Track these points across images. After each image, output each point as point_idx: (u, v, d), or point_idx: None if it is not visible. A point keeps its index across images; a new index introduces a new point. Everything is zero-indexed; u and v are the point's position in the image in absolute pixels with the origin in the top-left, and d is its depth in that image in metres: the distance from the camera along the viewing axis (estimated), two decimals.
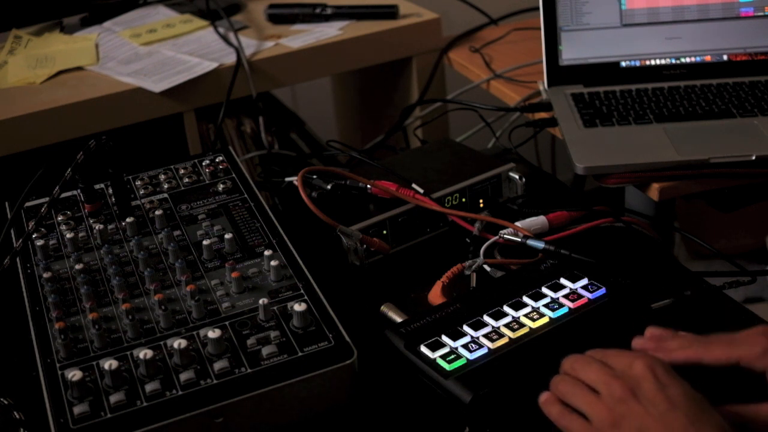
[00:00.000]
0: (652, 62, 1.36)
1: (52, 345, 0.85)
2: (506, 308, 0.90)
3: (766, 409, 0.73)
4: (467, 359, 0.83)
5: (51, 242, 0.99)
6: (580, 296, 0.91)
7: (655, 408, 0.69)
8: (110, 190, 1.06)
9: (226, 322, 0.87)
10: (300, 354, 0.82)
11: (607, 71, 1.36)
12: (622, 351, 0.77)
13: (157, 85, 1.41)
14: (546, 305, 0.90)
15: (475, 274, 1.01)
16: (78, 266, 0.94)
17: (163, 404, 0.78)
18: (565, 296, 0.91)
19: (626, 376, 0.73)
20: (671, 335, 0.80)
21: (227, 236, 0.97)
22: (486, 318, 0.88)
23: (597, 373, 0.75)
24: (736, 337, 0.78)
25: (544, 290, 0.92)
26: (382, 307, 0.95)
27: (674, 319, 0.91)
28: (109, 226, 1.01)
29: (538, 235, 1.04)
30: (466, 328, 0.87)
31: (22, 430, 0.83)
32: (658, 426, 0.68)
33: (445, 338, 0.86)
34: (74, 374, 0.79)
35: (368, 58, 1.61)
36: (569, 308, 0.90)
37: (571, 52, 1.37)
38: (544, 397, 0.77)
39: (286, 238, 0.98)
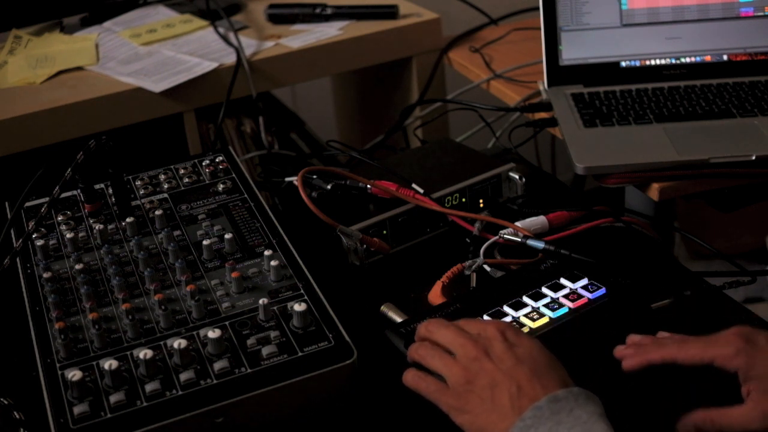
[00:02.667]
0: (652, 62, 1.36)
1: (52, 345, 0.85)
2: (506, 308, 0.90)
3: (737, 412, 0.75)
4: None
5: (51, 242, 0.99)
6: (580, 296, 0.91)
7: (504, 364, 0.76)
8: (110, 190, 1.06)
9: (226, 322, 0.87)
10: (300, 354, 0.82)
11: (607, 71, 1.36)
12: (476, 319, 0.83)
13: (157, 85, 1.41)
14: (546, 305, 0.90)
15: (475, 274, 1.01)
16: (78, 266, 0.94)
17: (163, 404, 0.78)
18: (565, 296, 0.91)
19: (480, 338, 0.79)
20: (650, 340, 0.82)
21: (227, 236, 0.97)
22: (486, 318, 0.88)
23: (453, 336, 0.80)
24: (711, 337, 0.79)
25: (544, 290, 0.92)
26: (382, 307, 0.95)
27: (674, 319, 0.91)
28: (109, 226, 1.01)
29: (538, 235, 1.04)
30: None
31: (22, 430, 0.83)
32: (506, 379, 0.75)
33: None
34: (74, 374, 0.79)
35: (368, 58, 1.61)
36: (569, 308, 0.90)
37: (571, 52, 1.37)
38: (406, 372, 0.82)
39: (286, 238, 0.98)
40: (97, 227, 1.00)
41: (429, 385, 0.79)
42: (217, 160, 1.14)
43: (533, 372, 0.75)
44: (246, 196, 1.06)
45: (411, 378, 0.81)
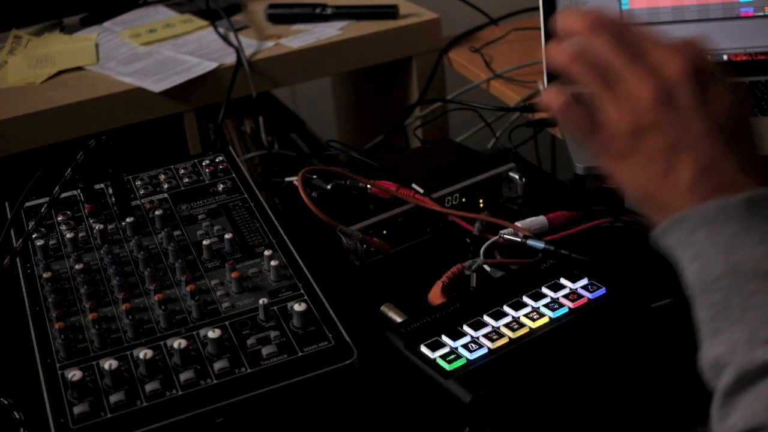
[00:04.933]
0: None
1: (52, 345, 0.85)
2: (506, 308, 0.90)
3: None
4: (467, 359, 0.83)
5: (51, 242, 0.99)
6: (580, 296, 0.91)
7: (693, 126, 0.57)
8: (110, 190, 1.06)
9: (226, 322, 0.87)
10: (300, 354, 0.82)
11: None
12: (660, 38, 0.60)
13: (157, 85, 1.41)
14: (546, 305, 0.90)
15: (475, 274, 1.01)
16: (78, 266, 0.94)
17: (163, 404, 0.78)
18: (565, 296, 0.91)
19: (660, 74, 0.58)
20: None
21: (227, 236, 0.97)
22: (486, 318, 0.88)
23: (622, 57, 0.58)
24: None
25: (544, 290, 0.92)
26: (382, 307, 0.95)
27: (674, 319, 0.91)
28: (109, 226, 1.01)
29: (538, 235, 1.04)
30: (466, 328, 0.87)
31: (22, 430, 0.83)
32: (692, 148, 0.57)
33: (445, 338, 0.86)
34: (74, 374, 0.79)
35: (368, 58, 1.61)
36: (569, 308, 0.89)
37: None
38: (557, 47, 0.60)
39: (286, 238, 0.98)
40: (97, 227, 1.00)
41: (580, 117, 0.60)
42: (217, 160, 1.14)
43: (731, 148, 0.57)
44: (246, 196, 1.06)
45: (555, 98, 0.60)
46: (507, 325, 0.87)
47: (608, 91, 0.59)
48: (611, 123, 0.59)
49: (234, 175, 1.11)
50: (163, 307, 0.87)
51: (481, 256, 1.02)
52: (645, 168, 0.58)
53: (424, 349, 0.84)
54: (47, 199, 0.99)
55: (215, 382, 0.80)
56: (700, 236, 0.56)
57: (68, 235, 0.98)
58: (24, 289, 0.94)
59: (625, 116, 0.58)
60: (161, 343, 0.84)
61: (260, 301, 0.86)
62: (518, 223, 1.07)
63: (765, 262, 0.54)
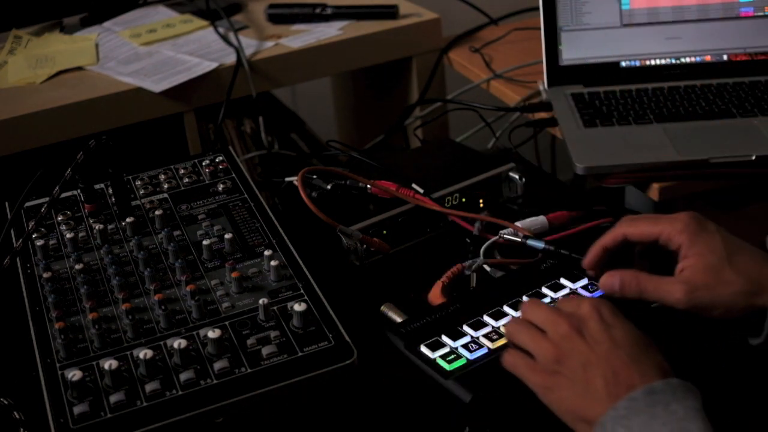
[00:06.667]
0: (652, 62, 1.36)
1: (52, 345, 0.85)
2: (506, 308, 0.90)
3: (663, 281, 0.80)
4: (467, 359, 0.83)
5: (51, 242, 0.99)
6: (580, 296, 0.91)
7: (599, 346, 0.72)
8: (110, 190, 1.06)
9: (226, 322, 0.87)
10: (300, 354, 0.82)
11: (607, 71, 1.36)
12: (573, 296, 0.80)
13: (157, 85, 1.41)
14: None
15: (475, 274, 1.01)
16: (78, 266, 0.94)
17: (163, 404, 0.78)
18: (565, 296, 0.91)
19: (573, 316, 0.76)
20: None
21: (227, 236, 0.97)
22: (486, 318, 0.88)
23: (545, 313, 0.77)
24: (662, 215, 0.83)
25: (544, 290, 0.92)
26: (382, 307, 0.95)
27: (674, 319, 0.91)
28: (109, 226, 1.01)
29: (538, 235, 1.04)
30: (466, 328, 0.87)
31: (22, 430, 0.83)
32: (600, 362, 0.71)
33: (445, 338, 0.86)
34: (74, 374, 0.79)
35: (368, 58, 1.61)
36: None
37: (571, 52, 1.37)
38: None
39: (286, 238, 0.98)
40: (97, 227, 1.00)
41: (517, 360, 0.76)
42: (217, 160, 1.14)
43: (630, 358, 0.71)
44: (246, 196, 1.06)
45: (504, 357, 0.78)
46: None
47: (538, 337, 0.76)
48: (541, 356, 0.75)
49: (234, 175, 1.11)
50: (163, 307, 0.87)
51: (481, 256, 1.02)
52: (570, 388, 0.72)
53: (424, 349, 0.85)
54: (47, 199, 0.99)
55: (215, 382, 0.80)
56: None
57: (68, 235, 0.98)
58: (24, 289, 0.94)
59: (551, 347, 0.74)
60: (161, 343, 0.84)
61: (260, 301, 0.86)
62: (518, 223, 1.07)
63: None
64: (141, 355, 0.81)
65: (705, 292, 0.79)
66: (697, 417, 0.68)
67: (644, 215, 0.86)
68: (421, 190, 1.10)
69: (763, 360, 0.83)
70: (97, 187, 1.06)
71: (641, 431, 0.67)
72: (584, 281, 0.93)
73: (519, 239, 1.03)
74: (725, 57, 1.36)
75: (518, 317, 0.81)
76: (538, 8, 1.36)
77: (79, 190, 1.06)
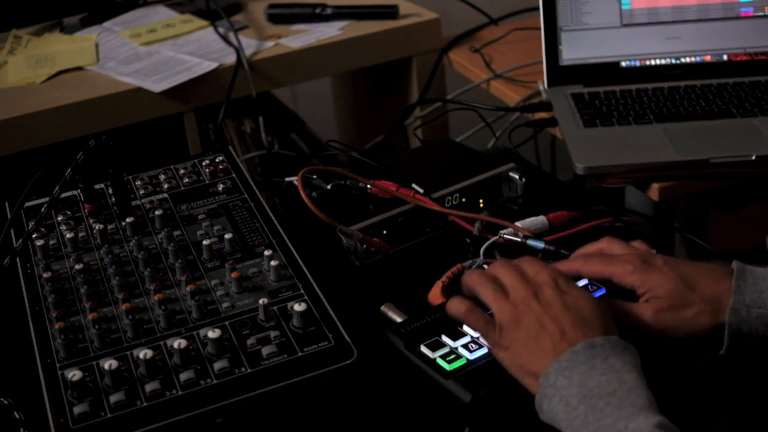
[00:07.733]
0: (652, 62, 1.36)
1: (52, 345, 0.85)
2: None
3: (634, 306, 0.85)
4: (467, 359, 0.83)
5: (51, 242, 0.99)
6: None
7: (551, 309, 0.79)
8: (110, 190, 1.06)
9: (226, 322, 0.87)
10: (300, 354, 0.82)
11: (607, 71, 1.36)
12: (535, 260, 0.86)
13: (157, 85, 1.41)
14: None
15: None
16: (78, 266, 0.94)
17: (163, 404, 0.78)
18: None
19: (532, 281, 0.82)
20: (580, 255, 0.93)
21: (227, 236, 0.97)
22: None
23: (511, 276, 0.83)
24: (613, 256, 0.90)
25: None
26: (382, 307, 0.95)
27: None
28: (109, 226, 1.01)
29: (538, 235, 1.04)
30: (466, 328, 0.87)
31: (22, 430, 0.83)
32: (551, 323, 0.78)
33: (445, 338, 0.86)
34: (74, 374, 0.79)
35: (368, 58, 1.61)
36: None
37: (571, 52, 1.37)
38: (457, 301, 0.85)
39: (286, 238, 0.98)
40: (97, 227, 1.00)
41: (478, 319, 0.83)
42: (217, 160, 1.14)
43: (577, 319, 0.78)
44: (246, 196, 1.06)
45: (457, 306, 0.84)
46: None
47: (501, 298, 0.82)
48: (501, 316, 0.81)
49: (234, 175, 1.11)
50: (163, 307, 0.87)
51: (481, 256, 1.02)
52: (523, 345, 0.78)
53: (424, 349, 0.85)
54: (47, 199, 0.99)
55: (215, 382, 0.80)
56: (560, 383, 0.74)
57: (68, 235, 0.98)
58: (24, 289, 0.94)
59: (510, 309, 0.81)
60: (161, 343, 0.84)
61: (260, 301, 0.86)
62: (518, 223, 1.07)
63: (609, 386, 0.73)
64: (141, 355, 0.81)
65: (671, 314, 0.84)
66: (633, 370, 0.74)
67: (597, 255, 0.92)
68: (421, 190, 1.10)
69: (726, 367, 0.87)
70: (97, 187, 1.06)
71: (581, 380, 0.73)
72: (584, 281, 0.93)
73: (519, 239, 1.03)
74: (725, 57, 1.36)
75: (483, 270, 0.86)
76: (538, 8, 1.36)
77: (79, 190, 1.06)
